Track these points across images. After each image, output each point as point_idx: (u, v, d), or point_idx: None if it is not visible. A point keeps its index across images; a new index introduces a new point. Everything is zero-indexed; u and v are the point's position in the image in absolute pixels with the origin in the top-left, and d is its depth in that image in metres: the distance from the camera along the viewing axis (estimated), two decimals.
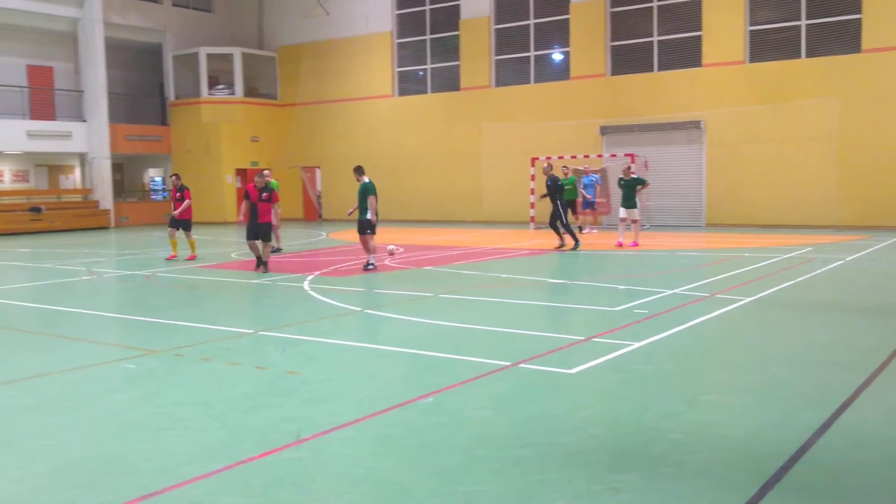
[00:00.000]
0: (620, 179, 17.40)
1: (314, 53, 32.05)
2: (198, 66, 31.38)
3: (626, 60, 25.66)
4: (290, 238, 22.52)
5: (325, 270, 14.18)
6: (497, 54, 28.20)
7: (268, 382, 6.51)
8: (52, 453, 4.86)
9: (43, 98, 29.40)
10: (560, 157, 24.30)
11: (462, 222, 27.76)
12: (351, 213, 14.51)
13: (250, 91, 32.45)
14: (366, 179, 14.13)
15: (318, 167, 32.62)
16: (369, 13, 30.48)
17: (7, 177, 29.53)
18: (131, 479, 4.36)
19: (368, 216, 13.87)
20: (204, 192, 30.71)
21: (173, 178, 17.13)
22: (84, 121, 29.60)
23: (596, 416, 5.47)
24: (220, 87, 31.98)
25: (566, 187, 20.91)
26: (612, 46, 25.87)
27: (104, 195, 29.84)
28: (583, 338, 7.95)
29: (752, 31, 23.56)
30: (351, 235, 22.90)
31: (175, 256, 16.46)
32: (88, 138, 29.50)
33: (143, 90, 32.88)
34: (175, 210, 16.36)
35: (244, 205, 14.04)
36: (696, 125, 24.06)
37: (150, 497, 4.09)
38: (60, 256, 18.19)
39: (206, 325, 9.02)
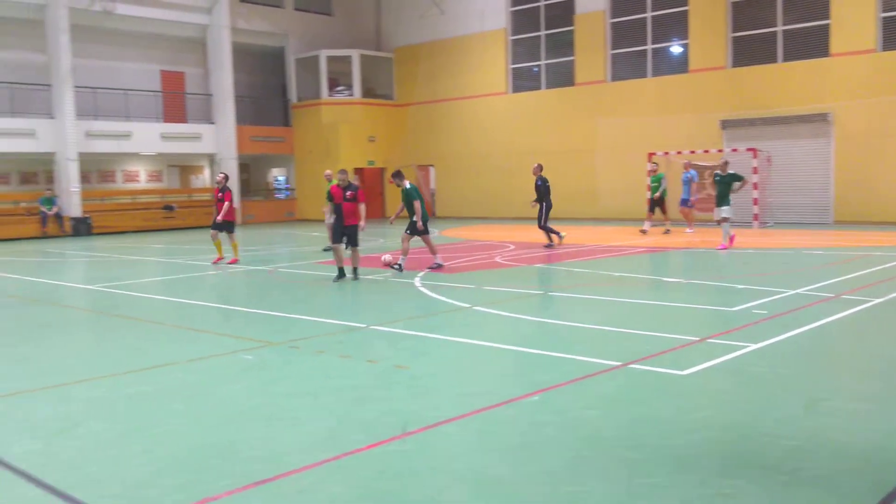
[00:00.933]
0: (716, 175, 16.52)
1: (429, 53, 32.43)
2: (318, 69, 32.34)
3: (749, 51, 24.64)
4: None
5: (435, 267, 14.30)
6: (613, 48, 27.68)
7: (377, 376, 6.64)
8: (172, 439, 5.12)
9: (175, 102, 31.05)
10: (678, 153, 23.63)
11: (576, 219, 27.42)
12: (392, 221, 15.03)
13: (368, 92, 33.16)
14: (407, 184, 13.72)
15: (433, 165, 32.99)
16: (483, 11, 30.56)
17: (143, 177, 31.38)
18: (244, 466, 4.54)
19: (415, 219, 13.57)
20: (322, 192, 31.52)
21: (220, 176, 16.29)
22: (213, 123, 31.05)
23: (708, 419, 5.29)
24: (339, 88, 32.84)
25: (654, 184, 20.39)
26: (734, 37, 24.91)
27: (235, 194, 31.18)
28: (697, 338, 7.70)
29: (884, 17, 22.13)
30: (463, 233, 23.05)
31: (221, 259, 15.91)
32: (217, 140, 30.94)
33: (267, 93, 34.17)
34: (218, 212, 15.77)
35: (328, 207, 13.52)
36: (823, 118, 22.83)
37: (262, 484, 4.25)
38: (190, 252, 19.15)
39: (321, 319, 9.29)
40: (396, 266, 13.37)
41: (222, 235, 15.98)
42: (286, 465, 4.52)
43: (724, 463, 4.53)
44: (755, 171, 22.51)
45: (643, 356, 6.91)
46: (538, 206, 17.43)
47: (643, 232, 20.14)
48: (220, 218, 15.69)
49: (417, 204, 13.61)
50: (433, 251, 13.96)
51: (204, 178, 32.86)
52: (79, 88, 27.14)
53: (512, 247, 17.70)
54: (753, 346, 7.18)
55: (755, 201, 22.52)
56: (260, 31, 32.26)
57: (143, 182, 31.37)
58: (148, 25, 29.18)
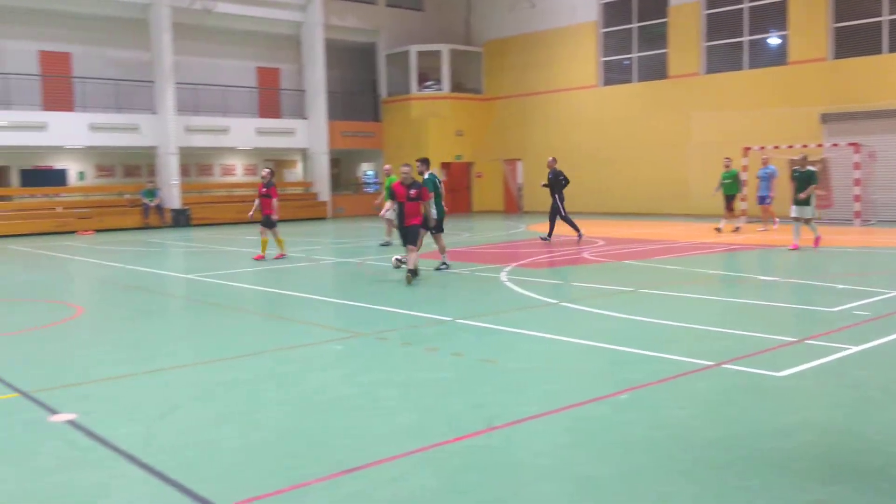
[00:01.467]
0: (794, 170, 15.60)
1: (519, 46, 32.28)
2: (408, 64, 32.64)
3: (851, 42, 23.58)
4: (489, 230, 22.86)
5: (522, 262, 14.27)
6: (708, 40, 26.94)
7: (463, 369, 6.67)
8: (265, 425, 5.28)
9: (270, 98, 31.89)
10: (775, 147, 22.81)
11: (667, 215, 26.84)
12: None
13: (457, 86, 33.27)
14: (426, 175, 13.21)
15: (520, 159, 32.86)
16: (574, 4, 30.22)
17: (239, 170, 32.38)
18: (332, 454, 4.64)
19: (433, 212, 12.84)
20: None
21: (265, 172, 15.98)
22: (305, 118, 31.76)
23: (805, 422, 5.10)
24: (428, 83, 33.07)
25: (725, 181, 19.63)
26: (836, 28, 23.87)
27: (322, 188, 31.89)
28: (794, 339, 7.43)
29: None
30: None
31: (262, 257, 15.57)
32: (309, 135, 31.63)
33: (358, 88, 34.69)
34: (262, 208, 15.56)
35: (387, 205, 12.50)
36: None
37: (350, 472, 4.33)
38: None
39: (407, 311, 9.39)
40: (444, 266, 13.01)
41: (268, 232, 15.74)
42: (376, 454, 4.59)
43: (821, 469, 4.36)
44: (857, 166, 21.55)
45: (737, 356, 6.72)
46: (551, 197, 17.87)
47: (718, 230, 19.34)
48: (267, 214, 15.49)
49: (432, 197, 12.82)
50: (442, 250, 13.33)
51: (297, 173, 33.69)
52: (180, 85, 28.19)
53: (601, 242, 17.46)
54: (855, 349, 6.89)
55: (857, 198, 21.55)
56: (352, 28, 32.77)
57: (239, 175, 32.37)
58: (245, 23, 30.04)
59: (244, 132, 29.91)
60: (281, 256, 15.73)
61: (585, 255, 15.19)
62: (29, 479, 4.36)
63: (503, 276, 12.20)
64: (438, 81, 32.86)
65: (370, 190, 35.76)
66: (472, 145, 33.47)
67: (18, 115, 25.28)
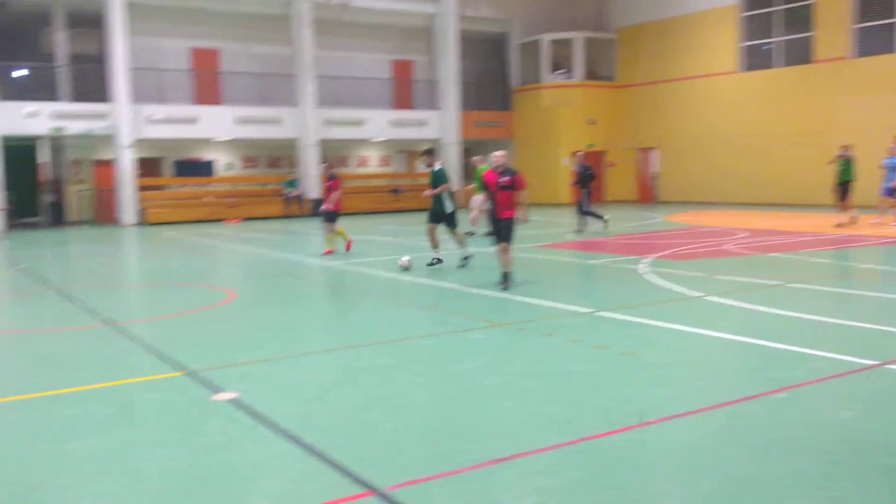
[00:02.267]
0: None
1: (654, 32, 31.40)
2: (539, 53, 32.41)
3: None
4: (624, 220, 22.41)
5: (661, 253, 13.90)
6: (858, 21, 25.27)
7: (607, 362, 6.57)
8: (413, 411, 5.38)
9: (404, 90, 32.46)
10: None
11: (813, 206, 25.45)
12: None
13: (589, 74, 32.74)
14: (437, 166, 12.79)
15: (655, 148, 32.00)
16: None
17: (374, 162, 33.17)
18: (480, 444, 4.67)
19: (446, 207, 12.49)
20: (541, 175, 31.71)
21: (324, 165, 15.86)
22: (438, 109, 32.12)
23: None
24: (560, 71, 32.72)
25: (840, 167, 18.05)
26: None
27: (454, 178, 32.16)
28: None
29: None
30: (688, 218, 22.19)
31: (331, 252, 15.18)
32: (441, 125, 31.98)
33: (489, 78, 34.75)
34: (325, 202, 15.30)
35: (474, 199, 11.43)
36: None
37: (498, 462, 4.35)
38: (415, 234, 19.99)
39: (545, 302, 9.33)
40: (435, 260, 12.54)
41: (328, 225, 15.47)
42: (523, 446, 4.60)
43: None
44: None
45: None
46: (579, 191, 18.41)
47: (840, 225, 17.64)
48: (325, 207, 15.26)
49: (446, 187, 12.50)
50: (435, 245, 12.89)
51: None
52: (319, 78, 29.15)
53: (744, 234, 16.76)
54: None
55: None
56: (484, 18, 32.83)
57: (373, 167, 33.16)
58: (380, 17, 30.66)
59: (379, 124, 30.60)
60: (330, 252, 15.10)
61: (728, 246, 14.63)
62: (199, 456, 4.63)
63: (642, 268, 11.92)
64: (570, 69, 32.45)
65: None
66: (605, 134, 32.87)
67: (172, 109, 26.90)
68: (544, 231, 19.26)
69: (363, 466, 4.28)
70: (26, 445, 4.90)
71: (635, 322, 8.07)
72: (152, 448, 4.77)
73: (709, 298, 9.39)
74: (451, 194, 12.72)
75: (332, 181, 15.16)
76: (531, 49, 33.04)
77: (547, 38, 32.16)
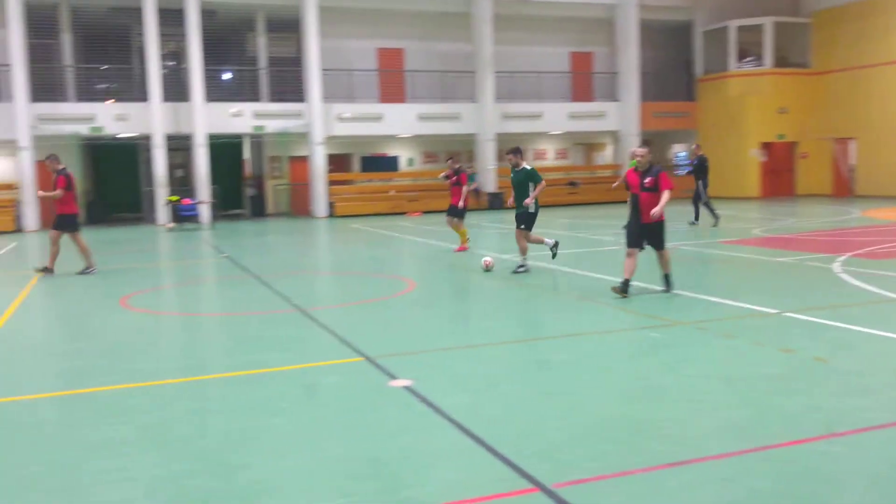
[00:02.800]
0: None
1: (854, 14, 29.01)
2: (726, 40, 30.90)
3: None
4: (817, 215, 20.94)
5: (858, 251, 12.88)
6: None
7: (793, 367, 6.18)
8: (584, 408, 5.32)
9: (582, 82, 32.06)
10: None
11: None
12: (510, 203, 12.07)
13: (780, 61, 30.79)
14: (527, 165, 11.82)
15: (854, 139, 29.62)
16: None
17: (550, 155, 33.03)
18: (657, 445, 4.54)
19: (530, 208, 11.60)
20: (727, 167, 30.27)
21: (450, 161, 15.55)
22: (617, 101, 31.46)
23: None
24: (748, 59, 31.04)
25: None
26: None
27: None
28: None
29: None
30: (889, 214, 20.39)
31: (464, 249, 14.93)
32: (620, 117, 31.30)
33: (671, 68, 33.58)
34: (453, 197, 15.01)
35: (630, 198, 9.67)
36: None
37: (677, 466, 4.22)
38: (593, 227, 19.74)
39: (728, 301, 8.92)
40: (522, 269, 11.60)
41: (452, 220, 15.25)
42: (703, 450, 4.43)
43: None
44: None
45: None
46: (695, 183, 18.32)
47: None
48: (460, 204, 14.96)
49: (542, 187, 11.60)
50: (525, 249, 11.83)
51: (606, 155, 33.57)
52: (498, 73, 29.41)
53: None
54: None
55: None
56: (667, 6, 31.72)
57: (550, 160, 33.02)
58: (560, 9, 30.42)
59: (556, 117, 30.42)
60: (463, 249, 14.93)
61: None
62: (376, 440, 4.83)
63: (837, 267, 11.10)
64: (759, 57, 30.67)
65: (681, 172, 34.54)
66: (797, 124, 30.79)
67: (360, 107, 28.12)
68: (730, 226, 18.39)
69: (530, 461, 4.29)
70: (226, 421, 5.32)
71: (826, 325, 7.54)
72: (334, 430, 5.04)
73: None
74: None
75: (458, 176, 15.07)
76: (717, 36, 31.53)
77: (734, 24, 30.57)
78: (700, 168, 18.58)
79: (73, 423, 5.44)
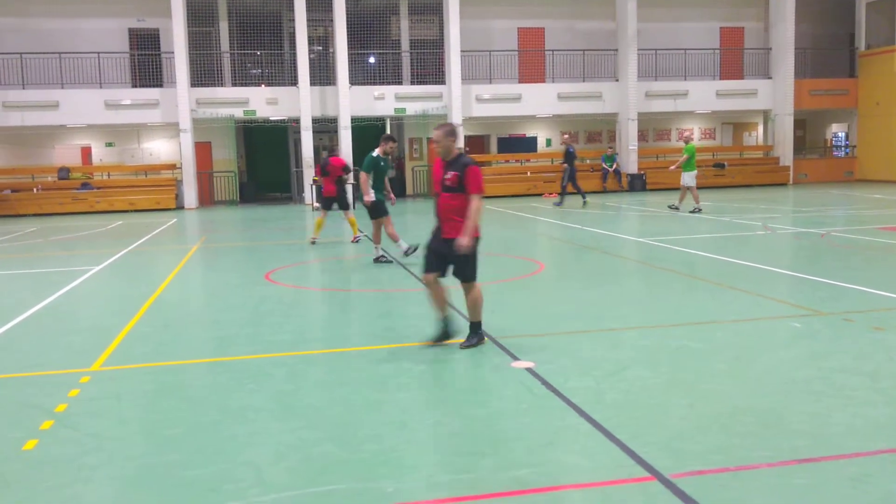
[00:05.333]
0: None
1: None
2: (893, 12, 28.58)
3: None
4: None
5: None
6: None
7: None
8: (714, 398, 5.13)
9: (732, 58, 30.61)
10: None
11: None
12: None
13: None
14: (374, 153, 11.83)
15: None
16: None
17: (696, 134, 31.80)
18: (788, 441, 4.33)
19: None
20: (891, 148, 28.17)
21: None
22: (769, 78, 29.86)
23: None
24: None
25: None
26: None
27: (785, 152, 29.79)
28: None
29: None
30: None
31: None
32: (773, 95, 29.71)
33: (830, 43, 31.49)
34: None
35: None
36: None
37: (807, 462, 4.01)
38: (739, 211, 18.89)
39: (879, 292, 8.33)
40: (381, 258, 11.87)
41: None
42: (836, 448, 4.18)
43: None
44: None
45: None
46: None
47: None
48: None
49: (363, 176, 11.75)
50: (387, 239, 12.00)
51: (757, 135, 31.96)
52: (641, 51, 28.57)
53: None
54: None
55: None
56: None
57: (696, 140, 31.80)
58: None
59: (703, 95, 29.26)
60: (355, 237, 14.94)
61: None
62: (494, 418, 4.87)
63: None
64: None
65: (840, 154, 32.42)
66: None
67: (499, 88, 28.11)
68: (890, 212, 17.12)
69: (649, 450, 4.20)
70: (352, 393, 5.51)
71: None
72: (453, 407, 5.12)
73: None
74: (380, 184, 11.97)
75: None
76: (884, 7, 29.21)
77: None
78: (569, 156, 21.30)
79: (215, 388, 5.80)
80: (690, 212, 18.55)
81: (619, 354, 6.33)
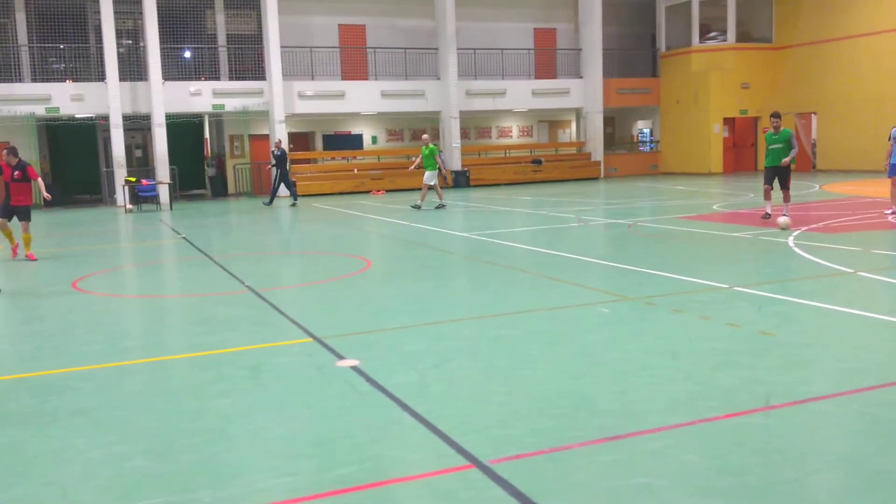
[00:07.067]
0: None
1: None
2: (689, 16, 31.02)
3: None
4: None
5: (814, 226, 13.07)
6: None
7: (739, 340, 6.25)
8: (530, 384, 5.34)
9: (546, 59, 32.01)
10: None
11: None
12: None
13: (742, 36, 31.01)
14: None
15: (814, 113, 29.99)
16: None
17: (514, 132, 33.01)
18: (597, 420, 4.58)
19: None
20: (690, 143, 30.58)
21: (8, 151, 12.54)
22: (580, 77, 31.49)
23: None
24: (711, 35, 31.20)
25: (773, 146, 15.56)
26: None
27: (596, 147, 31.52)
28: None
29: None
30: (849, 188, 20.71)
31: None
32: (584, 94, 31.34)
33: (634, 44, 33.67)
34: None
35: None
36: None
37: (614, 440, 4.25)
38: (555, 205, 19.79)
39: (679, 276, 9.00)
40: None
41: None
42: (640, 424, 4.47)
43: None
44: None
45: None
46: None
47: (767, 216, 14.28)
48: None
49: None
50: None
51: (570, 133, 33.62)
52: (461, 50, 29.24)
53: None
54: None
55: None
56: None
57: (514, 137, 33.00)
58: None
59: (520, 94, 30.37)
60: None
61: (892, 218, 13.54)
62: (318, 419, 4.81)
63: (791, 241, 11.25)
64: (723, 32, 30.84)
65: (645, 149, 34.75)
66: (759, 99, 31.09)
67: (321, 84, 27.81)
68: (690, 202, 18.55)
69: (468, 438, 4.30)
70: (169, 402, 5.25)
71: (776, 299, 7.64)
72: (277, 411, 5.00)
73: (862, 274, 8.74)
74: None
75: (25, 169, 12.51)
76: (680, 12, 31.64)
77: None
78: (281, 159, 22.87)
79: (17, 406, 5.33)
80: (436, 207, 19.32)
81: (443, 346, 6.44)
